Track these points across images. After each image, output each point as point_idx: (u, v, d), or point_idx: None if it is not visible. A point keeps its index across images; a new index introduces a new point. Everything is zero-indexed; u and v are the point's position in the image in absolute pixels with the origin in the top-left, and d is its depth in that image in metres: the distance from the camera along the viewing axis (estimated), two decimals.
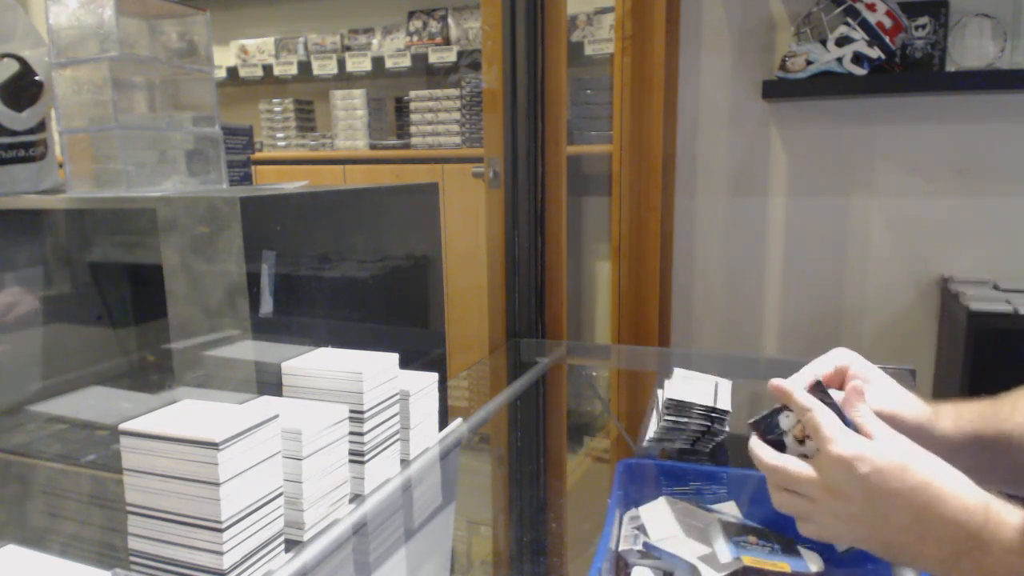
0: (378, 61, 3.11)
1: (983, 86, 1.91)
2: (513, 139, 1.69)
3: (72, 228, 1.22)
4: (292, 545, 0.75)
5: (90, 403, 1.16)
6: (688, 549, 0.74)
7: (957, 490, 0.58)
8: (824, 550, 0.74)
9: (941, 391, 2.01)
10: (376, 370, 0.87)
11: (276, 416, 0.70)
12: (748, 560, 0.69)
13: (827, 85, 1.99)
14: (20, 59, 1.07)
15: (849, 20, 1.93)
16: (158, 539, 0.67)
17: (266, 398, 0.84)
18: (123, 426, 0.67)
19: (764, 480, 0.68)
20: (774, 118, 2.19)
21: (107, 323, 1.25)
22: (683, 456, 1.03)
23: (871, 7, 1.91)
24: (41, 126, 1.13)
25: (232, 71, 3.36)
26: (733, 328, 2.33)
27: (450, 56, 2.94)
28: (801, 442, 0.67)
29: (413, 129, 2.96)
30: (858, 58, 1.93)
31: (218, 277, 0.83)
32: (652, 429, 1.05)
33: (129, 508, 0.68)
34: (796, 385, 0.68)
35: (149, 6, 1.02)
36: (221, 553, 0.65)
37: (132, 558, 0.68)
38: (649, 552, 0.74)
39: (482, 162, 1.74)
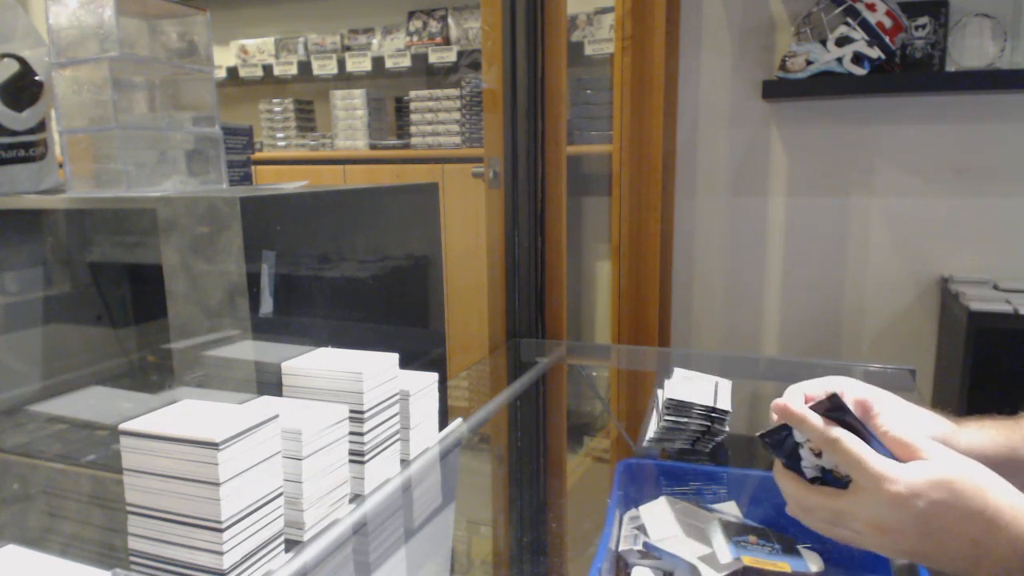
0: (378, 61, 3.11)
1: (983, 86, 1.91)
2: (513, 139, 1.69)
3: (72, 228, 1.22)
4: (292, 545, 0.75)
5: (90, 403, 1.16)
6: (688, 549, 0.74)
7: (1017, 513, 0.55)
8: (824, 550, 0.74)
9: (941, 391, 2.01)
10: (376, 370, 0.87)
11: (276, 416, 0.70)
12: (748, 560, 0.69)
13: (827, 85, 1.99)
14: (20, 59, 1.07)
15: (849, 20, 1.93)
16: (158, 539, 0.67)
17: (266, 398, 0.84)
18: (123, 426, 0.67)
19: (764, 480, 0.68)
20: (774, 118, 2.19)
21: (107, 323, 1.25)
22: (683, 456, 1.03)
23: (871, 7, 1.91)
24: (41, 126, 1.13)
25: (232, 71, 3.36)
26: (733, 328, 2.33)
27: (450, 56, 2.94)
28: (818, 455, 0.62)
29: (413, 129, 2.96)
30: (858, 58, 1.93)
31: (218, 277, 0.83)
32: (652, 429, 1.05)
33: (129, 508, 0.68)
34: (807, 411, 0.62)
35: (149, 6, 1.02)
36: (221, 553, 0.65)
37: (132, 558, 0.68)
38: (649, 552, 0.74)
39: (482, 162, 1.74)
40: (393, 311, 1.17)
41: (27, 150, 1.10)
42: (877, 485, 0.57)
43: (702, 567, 0.71)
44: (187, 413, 0.69)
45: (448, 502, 0.95)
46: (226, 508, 0.65)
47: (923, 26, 1.98)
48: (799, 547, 0.74)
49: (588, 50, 2.66)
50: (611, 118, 2.24)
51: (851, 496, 0.59)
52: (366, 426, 0.85)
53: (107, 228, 1.19)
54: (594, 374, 1.68)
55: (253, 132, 1.31)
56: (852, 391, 0.66)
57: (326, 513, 0.80)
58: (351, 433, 0.84)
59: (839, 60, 1.94)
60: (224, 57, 3.38)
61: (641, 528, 0.78)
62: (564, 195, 1.77)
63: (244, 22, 3.44)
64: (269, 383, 0.87)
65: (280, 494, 0.72)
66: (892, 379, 1.37)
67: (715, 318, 2.35)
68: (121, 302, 1.25)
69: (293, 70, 3.24)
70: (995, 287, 1.92)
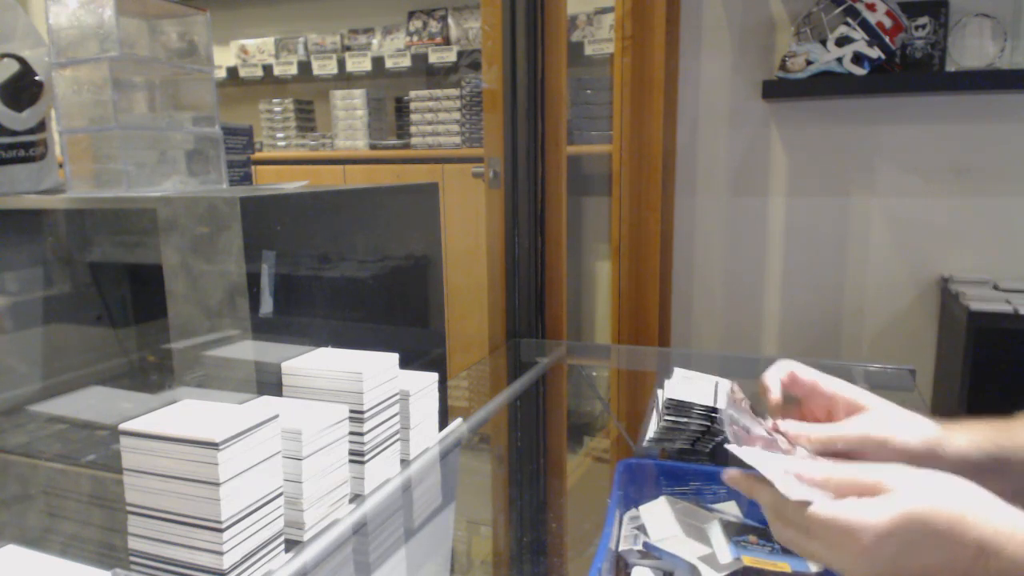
0: (378, 61, 3.11)
1: (983, 86, 1.92)
2: (513, 139, 1.69)
3: (72, 228, 1.22)
4: (292, 545, 0.75)
5: (90, 403, 1.16)
6: (688, 549, 0.74)
7: (1002, 538, 0.51)
8: None
9: (941, 391, 2.01)
10: (376, 370, 0.87)
11: (276, 416, 0.70)
12: (748, 560, 0.69)
13: (827, 85, 1.99)
14: (20, 59, 1.07)
15: (849, 20, 1.93)
16: (158, 539, 0.67)
17: (266, 398, 0.84)
18: (123, 426, 0.67)
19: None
20: (774, 118, 2.19)
21: (107, 323, 1.25)
22: (683, 456, 1.02)
23: (871, 7, 1.91)
24: (41, 126, 1.13)
25: (232, 71, 3.36)
26: (733, 328, 2.33)
27: (450, 56, 2.94)
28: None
29: (413, 129, 2.96)
30: (858, 58, 1.93)
31: (218, 277, 0.83)
32: (652, 429, 1.05)
33: (129, 508, 0.68)
34: (756, 484, 0.61)
35: (149, 6, 1.02)
36: (221, 553, 0.65)
37: (132, 558, 0.68)
38: (649, 552, 0.74)
39: (482, 162, 1.74)
40: (393, 311, 1.17)
41: (27, 150, 1.10)
42: (842, 541, 0.53)
43: (702, 567, 0.71)
44: (187, 413, 0.69)
45: (448, 502, 0.95)
46: (226, 508, 0.65)
47: (923, 26, 1.98)
48: None
49: (588, 50, 2.66)
50: (611, 118, 2.25)
51: (819, 542, 0.55)
52: (366, 426, 0.85)
53: (107, 228, 1.19)
54: (594, 374, 1.68)
55: (253, 132, 1.31)
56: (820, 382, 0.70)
57: (326, 513, 0.80)
58: (351, 433, 0.84)
59: (839, 60, 1.94)
60: (224, 57, 3.38)
61: (641, 528, 0.78)
62: (564, 195, 1.77)
63: (244, 22, 3.44)
64: (269, 383, 0.87)
65: (280, 494, 0.72)
66: (892, 379, 1.37)
67: (715, 318, 2.35)
68: (121, 302, 1.25)
69: (293, 70, 3.24)
70: (995, 287, 1.92)
